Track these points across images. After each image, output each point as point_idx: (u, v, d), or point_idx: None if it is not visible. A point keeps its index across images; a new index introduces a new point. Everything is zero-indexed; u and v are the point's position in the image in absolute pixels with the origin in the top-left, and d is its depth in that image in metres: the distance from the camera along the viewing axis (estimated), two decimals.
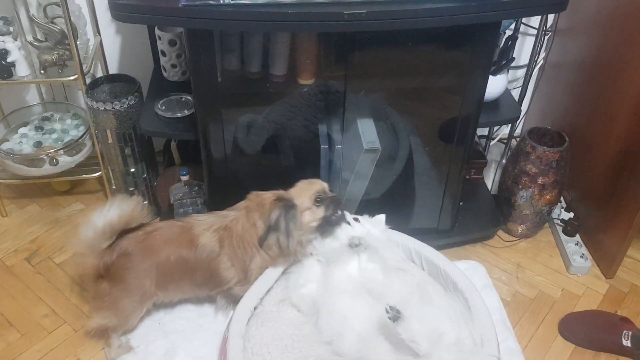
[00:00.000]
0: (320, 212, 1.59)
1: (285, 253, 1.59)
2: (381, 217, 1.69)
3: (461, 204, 2.02)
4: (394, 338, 1.40)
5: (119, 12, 1.41)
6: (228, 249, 1.59)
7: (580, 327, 1.77)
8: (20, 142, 2.11)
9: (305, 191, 1.59)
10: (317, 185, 1.61)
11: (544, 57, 2.22)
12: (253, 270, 1.62)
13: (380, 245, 1.60)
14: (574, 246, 2.03)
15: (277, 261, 1.62)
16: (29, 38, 1.95)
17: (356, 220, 1.65)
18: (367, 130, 1.75)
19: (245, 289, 1.61)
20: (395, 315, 1.34)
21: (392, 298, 1.45)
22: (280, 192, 1.60)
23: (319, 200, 1.58)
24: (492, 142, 2.35)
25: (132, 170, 2.04)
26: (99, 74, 2.16)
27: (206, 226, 1.61)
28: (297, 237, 1.57)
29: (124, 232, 1.59)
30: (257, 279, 1.62)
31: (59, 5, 1.72)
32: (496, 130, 2.38)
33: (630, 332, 1.67)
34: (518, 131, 2.40)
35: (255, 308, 1.59)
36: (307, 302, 1.58)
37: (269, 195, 1.58)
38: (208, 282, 1.65)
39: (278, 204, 1.55)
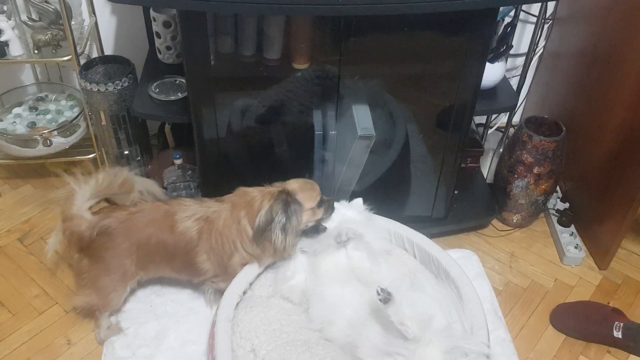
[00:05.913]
0: (319, 213, 1.57)
1: (274, 250, 1.54)
2: (358, 201, 1.68)
3: (456, 192, 2.01)
4: (384, 322, 1.39)
5: None
6: (206, 242, 1.56)
7: (571, 317, 1.77)
8: (14, 122, 2.10)
9: (308, 191, 1.55)
10: (317, 187, 1.58)
11: (543, 46, 2.20)
12: (233, 267, 1.60)
13: (362, 229, 1.57)
14: (568, 237, 2.02)
15: (259, 259, 1.59)
16: (23, 17, 1.93)
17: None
18: (362, 117, 1.74)
19: (227, 284, 1.58)
20: (386, 297, 1.34)
21: (382, 283, 1.44)
22: (277, 188, 1.54)
23: (322, 202, 1.57)
24: (490, 131, 2.33)
25: (126, 152, 2.04)
26: (95, 54, 2.15)
27: (189, 213, 1.58)
28: (294, 235, 1.53)
29: (109, 210, 1.59)
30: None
31: None
32: (494, 119, 2.36)
33: (621, 324, 1.67)
34: (516, 120, 2.38)
35: (244, 293, 1.58)
36: (297, 293, 1.57)
37: (256, 194, 1.53)
38: (187, 270, 1.64)
39: (282, 198, 1.50)
